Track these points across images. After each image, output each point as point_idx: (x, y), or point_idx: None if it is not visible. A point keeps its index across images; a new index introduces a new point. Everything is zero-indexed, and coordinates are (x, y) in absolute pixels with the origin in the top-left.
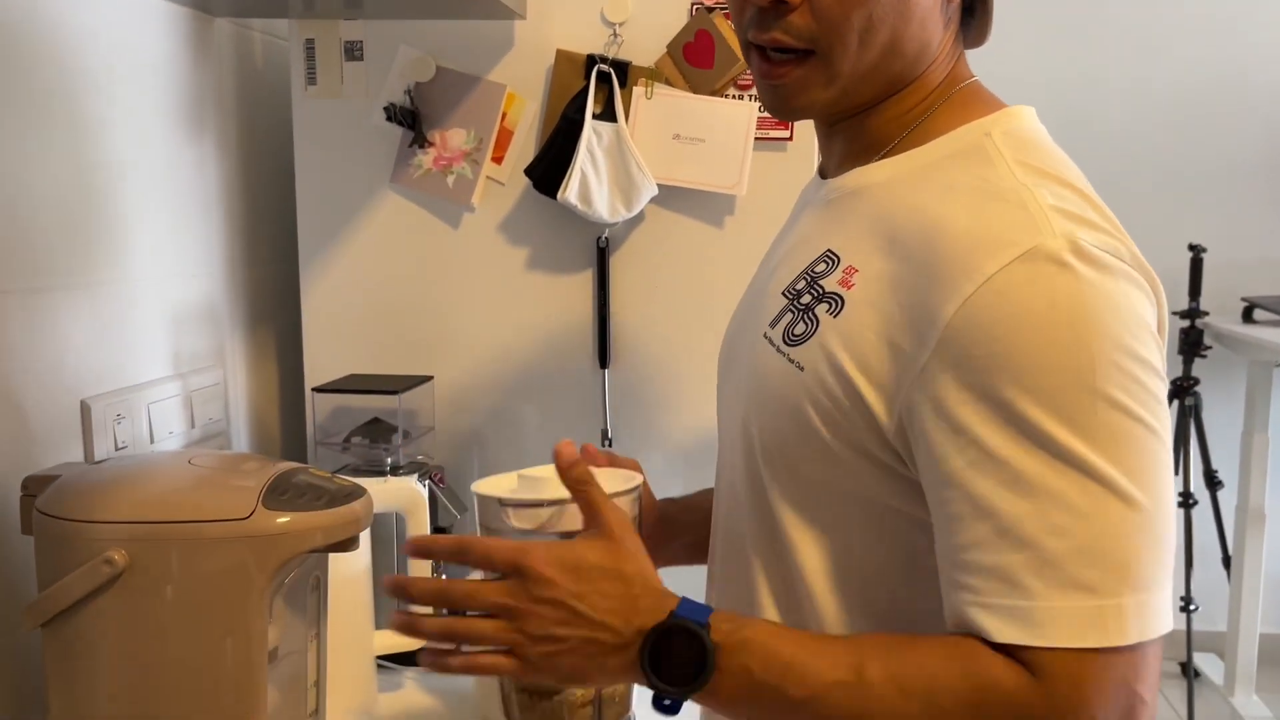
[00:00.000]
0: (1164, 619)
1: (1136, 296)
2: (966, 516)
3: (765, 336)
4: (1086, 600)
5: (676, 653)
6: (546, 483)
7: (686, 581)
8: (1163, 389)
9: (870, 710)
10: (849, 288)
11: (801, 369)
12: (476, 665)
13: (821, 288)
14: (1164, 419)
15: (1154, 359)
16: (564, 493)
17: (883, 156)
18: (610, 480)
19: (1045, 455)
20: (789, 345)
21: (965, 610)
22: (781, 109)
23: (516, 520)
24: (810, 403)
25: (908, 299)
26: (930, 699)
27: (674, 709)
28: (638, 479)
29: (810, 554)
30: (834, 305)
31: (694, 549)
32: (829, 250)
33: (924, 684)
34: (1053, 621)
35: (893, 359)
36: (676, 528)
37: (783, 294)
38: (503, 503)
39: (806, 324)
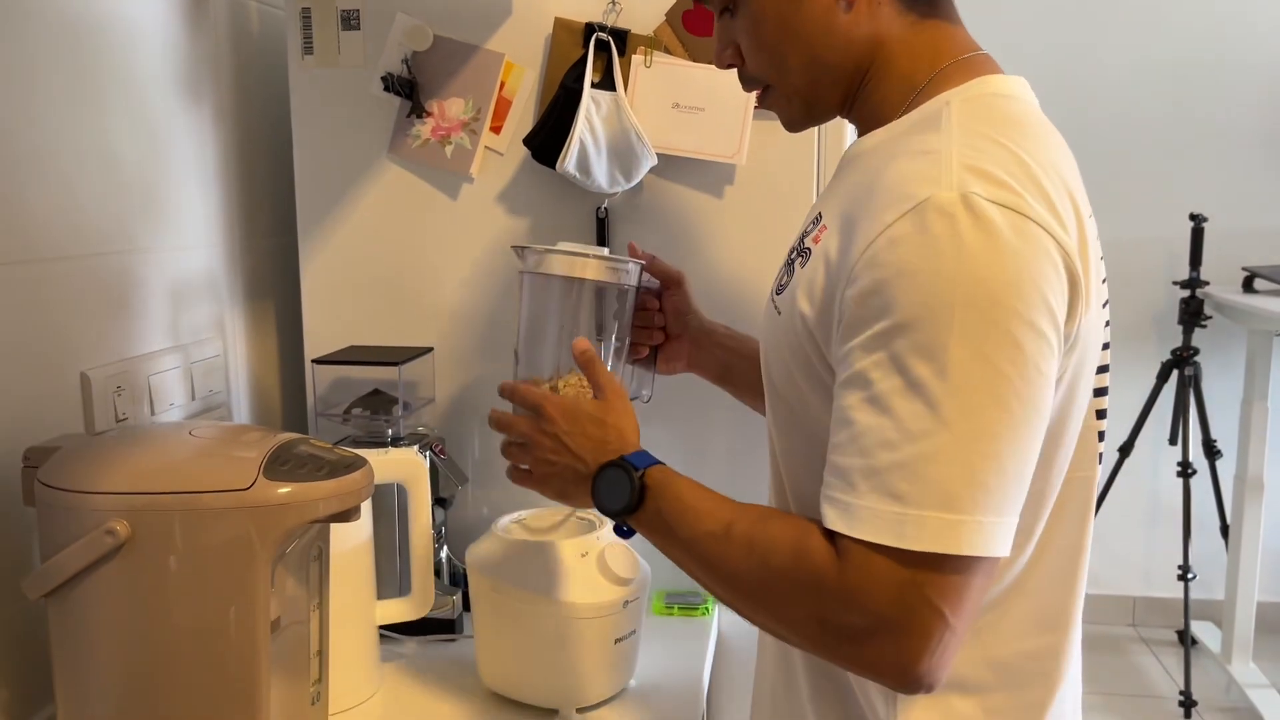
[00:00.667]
0: (976, 543)
1: (1025, 253)
2: (838, 423)
3: (770, 292)
4: (893, 506)
5: (614, 484)
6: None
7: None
8: (1036, 342)
9: (724, 558)
10: (817, 243)
11: (779, 314)
12: (514, 477)
13: (802, 245)
14: (1024, 368)
15: (1029, 311)
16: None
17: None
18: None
19: (899, 381)
20: (775, 296)
21: (819, 498)
22: (784, 126)
23: (524, 264)
24: (786, 344)
25: (843, 245)
26: (765, 558)
27: (627, 534)
28: (638, 261)
29: (785, 460)
30: (805, 258)
31: (723, 365)
32: (818, 213)
33: (766, 546)
34: (864, 518)
35: (828, 299)
36: (716, 338)
37: (788, 254)
38: (521, 249)
39: (788, 277)
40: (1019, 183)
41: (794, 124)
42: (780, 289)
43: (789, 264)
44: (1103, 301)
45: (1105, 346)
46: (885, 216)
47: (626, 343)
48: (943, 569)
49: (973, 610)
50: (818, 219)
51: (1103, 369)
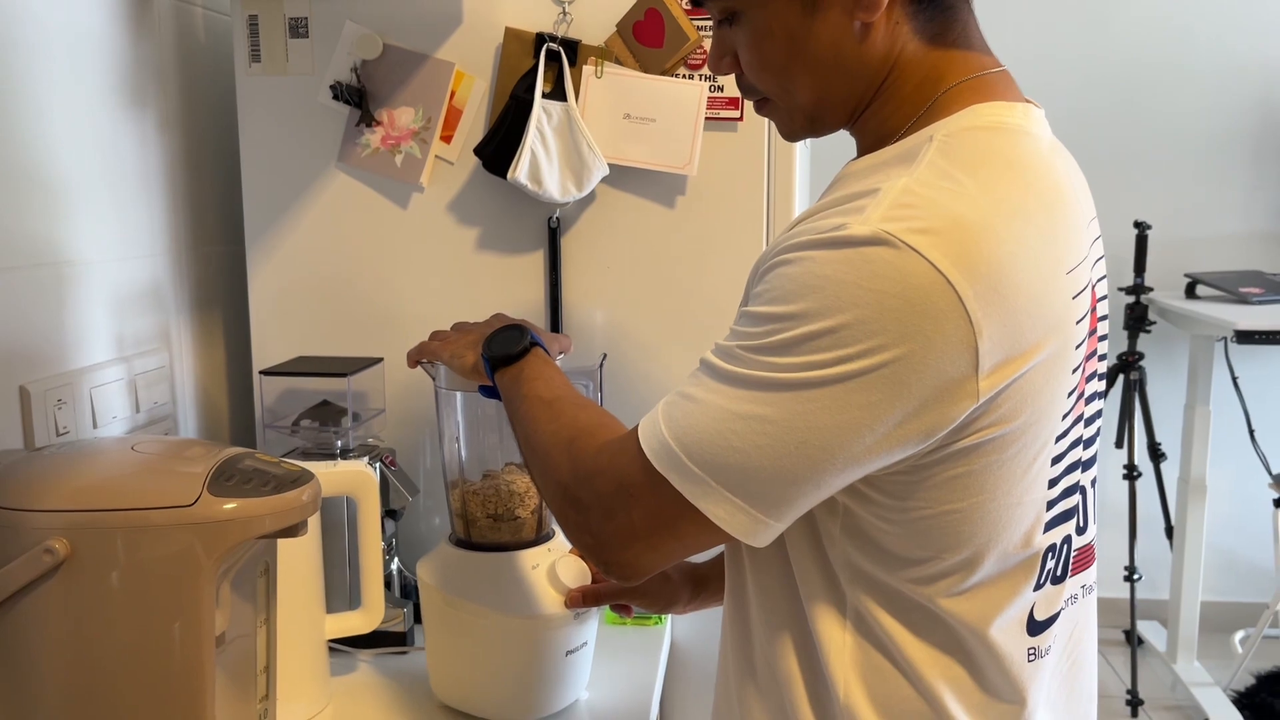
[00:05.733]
0: (695, 495)
1: (917, 305)
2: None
3: None
4: (664, 424)
5: (509, 339)
6: None
7: None
8: (862, 388)
9: (535, 418)
10: None
11: None
12: (412, 351)
13: None
14: (828, 400)
15: (887, 340)
16: None
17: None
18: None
19: (719, 361)
20: None
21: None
22: (783, 136)
23: (438, 382)
24: None
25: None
26: (558, 429)
27: (492, 394)
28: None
29: None
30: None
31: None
32: None
33: (568, 421)
34: (648, 419)
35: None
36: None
37: None
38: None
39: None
40: (944, 232)
41: (794, 136)
42: None
43: None
44: (1076, 342)
45: (1089, 397)
46: (806, 236)
47: None
48: (661, 495)
49: (674, 547)
50: None
51: (1068, 427)
